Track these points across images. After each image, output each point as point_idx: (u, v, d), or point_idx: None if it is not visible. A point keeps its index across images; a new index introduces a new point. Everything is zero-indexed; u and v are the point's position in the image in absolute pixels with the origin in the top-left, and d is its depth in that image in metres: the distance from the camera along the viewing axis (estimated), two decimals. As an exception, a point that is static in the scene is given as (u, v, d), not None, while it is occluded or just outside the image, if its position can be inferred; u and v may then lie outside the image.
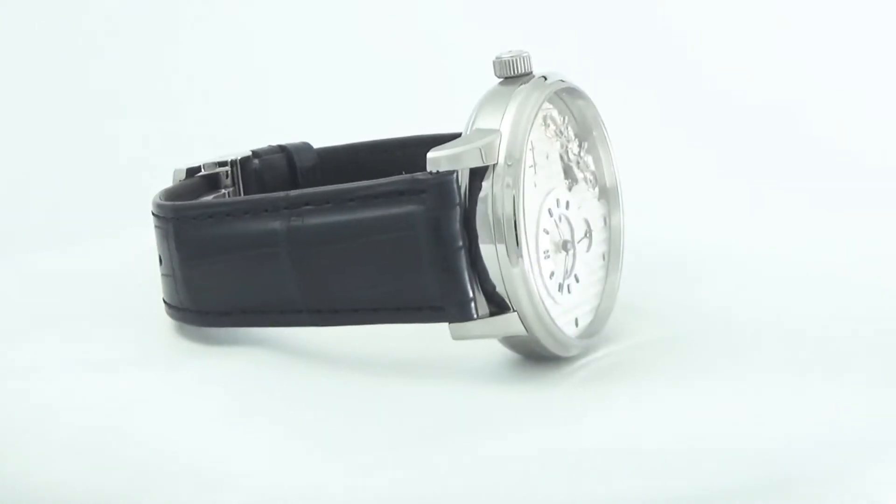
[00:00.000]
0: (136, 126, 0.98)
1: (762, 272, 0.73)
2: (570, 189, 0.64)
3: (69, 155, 0.96)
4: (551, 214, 0.62)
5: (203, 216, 0.63)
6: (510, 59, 0.62)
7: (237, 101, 1.00)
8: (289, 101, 0.98)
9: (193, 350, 0.64)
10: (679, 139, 0.99)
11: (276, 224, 0.61)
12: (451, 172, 0.58)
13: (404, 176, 0.59)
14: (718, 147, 0.98)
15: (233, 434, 0.55)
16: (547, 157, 0.62)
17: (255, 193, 0.73)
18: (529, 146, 0.61)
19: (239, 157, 0.74)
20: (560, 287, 0.62)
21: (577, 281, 0.63)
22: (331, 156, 0.77)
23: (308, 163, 0.76)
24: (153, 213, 0.65)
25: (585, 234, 0.64)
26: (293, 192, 0.61)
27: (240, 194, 0.73)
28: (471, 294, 0.59)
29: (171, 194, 0.68)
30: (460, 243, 0.58)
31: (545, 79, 0.62)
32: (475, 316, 0.59)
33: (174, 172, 0.71)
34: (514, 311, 0.59)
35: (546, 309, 0.60)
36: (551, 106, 0.63)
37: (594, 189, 0.66)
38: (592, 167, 0.66)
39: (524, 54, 0.62)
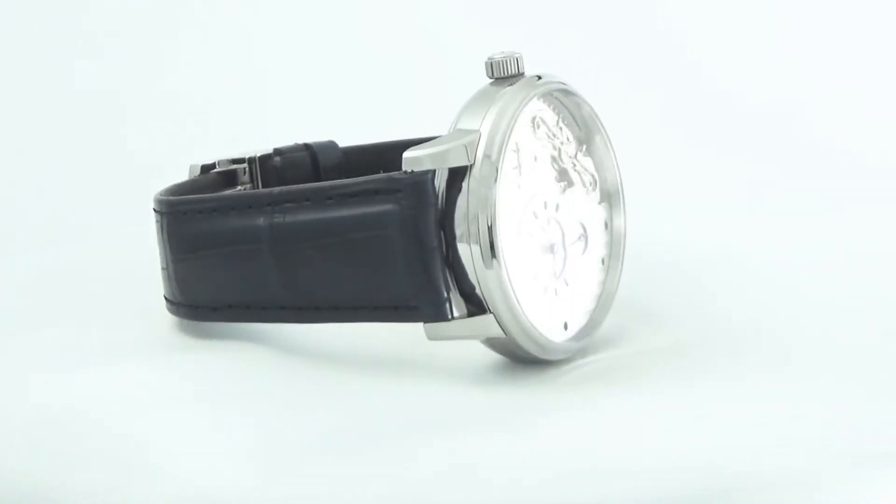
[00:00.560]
0: (151, 123, 0.99)
1: (766, 276, 0.72)
2: (563, 192, 0.63)
3: (75, 153, 0.98)
4: (537, 217, 0.61)
5: (193, 211, 0.64)
6: (501, 59, 0.61)
7: (256, 100, 1.01)
8: (311, 100, 0.98)
9: (185, 344, 0.64)
10: (679, 139, 0.97)
11: (260, 221, 0.62)
12: (426, 172, 0.58)
13: (381, 175, 0.59)
14: (719, 148, 0.96)
15: (188, 428, 0.55)
16: (535, 159, 0.62)
17: (273, 190, 0.74)
18: (514, 147, 0.61)
19: (258, 154, 0.74)
20: (545, 290, 0.62)
21: (567, 284, 0.63)
22: (356, 155, 0.77)
23: (332, 161, 0.76)
24: (153, 209, 0.66)
25: (580, 238, 0.64)
26: (276, 189, 0.61)
27: (257, 191, 0.74)
28: (445, 294, 0.59)
29: (179, 189, 0.69)
30: (435, 243, 0.58)
31: (539, 79, 0.62)
32: (449, 316, 0.59)
33: (190, 168, 0.72)
34: (490, 312, 0.59)
35: (524, 312, 0.59)
36: (545, 107, 0.63)
37: (594, 192, 0.65)
38: (592, 170, 0.65)
39: (516, 55, 0.62)
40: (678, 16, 1.03)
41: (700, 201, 0.89)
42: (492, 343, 0.61)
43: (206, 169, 0.72)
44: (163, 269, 0.66)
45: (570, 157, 0.64)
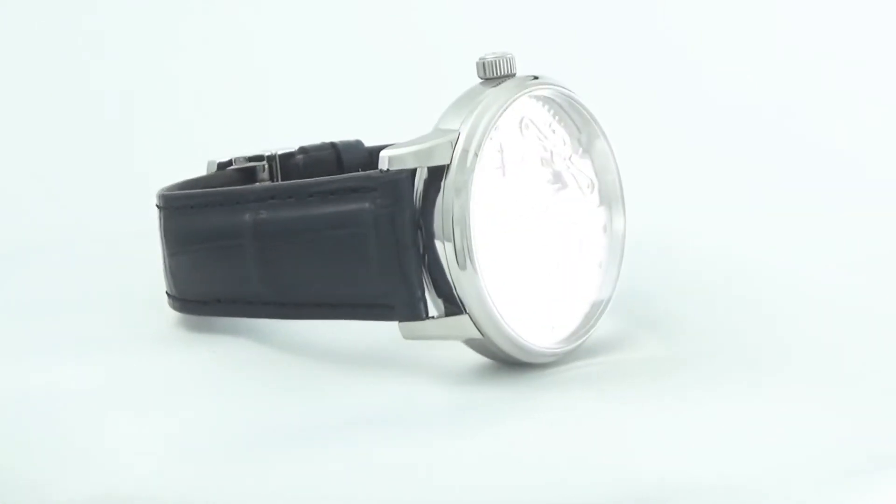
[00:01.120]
0: (167, 119, 1.01)
1: (768, 281, 0.71)
2: (555, 194, 0.63)
3: (80, 152, 1.00)
4: (522, 218, 0.61)
5: (185, 206, 0.65)
6: (493, 59, 0.61)
7: (279, 99, 1.01)
8: (336, 99, 0.99)
9: (175, 338, 0.66)
10: (680, 140, 0.95)
11: (246, 217, 0.62)
12: (402, 171, 0.58)
13: (359, 173, 0.60)
14: (721, 149, 0.94)
15: (131, 420, 0.56)
16: (523, 160, 0.61)
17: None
18: (497, 148, 0.60)
19: (279, 152, 0.75)
20: (529, 291, 0.61)
21: (556, 287, 0.62)
22: (382, 153, 0.77)
23: (357, 160, 0.77)
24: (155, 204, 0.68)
25: (571, 241, 0.63)
26: (260, 186, 0.62)
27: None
28: (419, 293, 0.58)
29: (188, 185, 0.70)
30: (410, 242, 0.58)
31: (533, 80, 0.62)
32: (424, 316, 0.59)
33: (207, 164, 0.73)
34: (466, 313, 0.59)
35: (500, 313, 0.59)
36: (539, 109, 0.62)
37: (592, 195, 0.64)
38: (590, 173, 0.64)
39: (508, 56, 0.61)
40: (678, 16, 1.01)
41: (701, 203, 0.88)
42: (472, 344, 0.60)
43: (222, 166, 0.73)
44: (163, 263, 0.67)
45: (565, 160, 0.63)
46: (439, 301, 0.59)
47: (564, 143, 0.63)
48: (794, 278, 0.71)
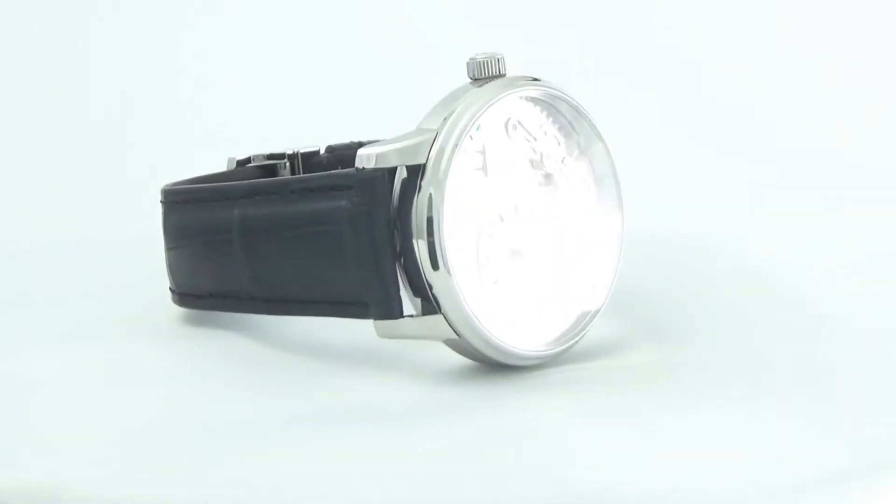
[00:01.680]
0: (187, 117, 1.02)
1: (768, 289, 0.69)
2: (545, 196, 0.62)
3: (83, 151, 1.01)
4: (503, 219, 0.61)
5: (182, 201, 0.66)
6: (483, 60, 0.61)
7: (304, 98, 1.02)
8: (363, 99, 0.99)
9: (167, 331, 0.67)
10: (681, 142, 0.93)
11: (234, 212, 0.63)
12: (378, 170, 0.59)
13: (338, 171, 0.60)
14: (721, 154, 0.92)
15: (87, 411, 0.57)
16: (508, 162, 0.61)
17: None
18: (479, 148, 0.60)
19: (301, 150, 0.76)
20: (511, 293, 0.61)
21: (542, 289, 0.62)
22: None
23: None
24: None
25: (562, 244, 0.63)
26: (248, 182, 0.63)
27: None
28: (393, 292, 0.59)
29: (203, 181, 0.71)
30: (385, 241, 0.58)
31: (525, 81, 0.61)
32: (399, 314, 0.59)
33: (227, 161, 0.74)
34: (440, 312, 0.59)
35: (476, 314, 0.59)
36: (531, 110, 0.62)
37: (587, 198, 0.64)
38: (586, 176, 0.64)
39: (497, 56, 0.61)
40: (678, 17, 0.99)
41: (701, 205, 0.86)
42: (451, 345, 0.60)
43: (241, 163, 0.74)
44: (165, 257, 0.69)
45: (558, 162, 0.62)
46: (417, 300, 0.59)
47: (558, 146, 0.63)
48: (797, 282, 0.70)
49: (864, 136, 0.91)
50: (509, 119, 0.61)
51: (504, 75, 0.61)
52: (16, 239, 0.89)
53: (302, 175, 0.61)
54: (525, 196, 0.61)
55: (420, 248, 0.58)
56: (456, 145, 0.58)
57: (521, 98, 0.61)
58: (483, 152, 0.60)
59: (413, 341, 0.61)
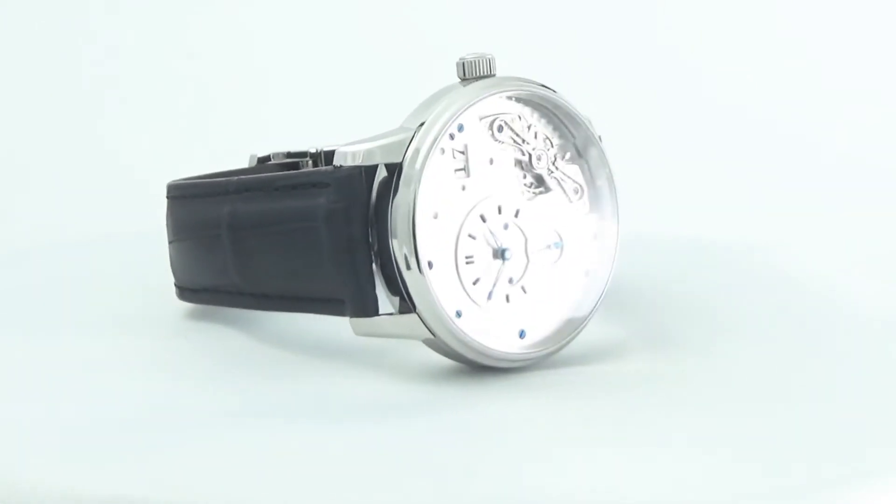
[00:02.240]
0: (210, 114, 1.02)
1: (767, 297, 0.68)
2: (533, 197, 0.62)
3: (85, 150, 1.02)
4: (484, 220, 0.60)
5: (180, 196, 0.67)
6: (472, 60, 0.61)
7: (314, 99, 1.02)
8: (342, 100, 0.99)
9: (165, 324, 0.67)
10: (683, 146, 0.91)
11: (225, 208, 0.64)
12: (356, 168, 0.59)
13: (318, 168, 0.61)
14: (719, 161, 0.89)
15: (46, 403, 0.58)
16: (491, 162, 0.61)
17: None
18: (460, 148, 0.60)
19: (324, 149, 0.76)
20: (490, 295, 0.61)
21: (526, 291, 0.62)
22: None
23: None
24: None
25: (552, 245, 0.62)
26: (236, 178, 0.63)
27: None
28: (369, 290, 0.59)
29: (217, 177, 0.72)
30: (361, 238, 0.58)
31: (512, 81, 0.61)
32: (375, 312, 0.59)
33: (249, 158, 0.75)
34: (415, 312, 0.59)
35: (450, 314, 0.59)
36: (522, 111, 0.61)
37: (580, 201, 0.63)
38: (578, 178, 0.63)
39: (487, 56, 0.61)
40: (677, 19, 0.97)
41: (702, 207, 0.84)
42: (430, 344, 0.60)
43: (262, 160, 0.75)
44: None
45: (549, 163, 0.62)
46: (395, 299, 0.59)
47: (550, 147, 0.62)
48: (806, 289, 0.68)
49: (866, 136, 0.89)
50: (495, 120, 0.61)
51: (493, 76, 0.61)
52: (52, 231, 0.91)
53: (287, 172, 0.62)
54: (510, 197, 0.61)
55: (395, 247, 0.58)
56: (432, 145, 0.58)
57: (508, 98, 0.61)
58: (465, 152, 0.60)
59: (396, 340, 0.61)
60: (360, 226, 0.58)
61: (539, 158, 0.61)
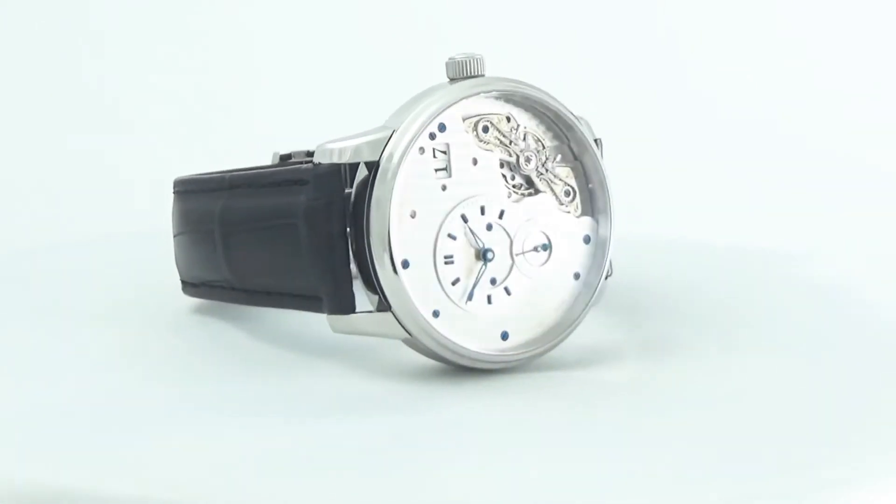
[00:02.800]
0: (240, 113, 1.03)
1: (769, 298, 0.66)
2: (519, 199, 0.61)
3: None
4: (466, 220, 0.60)
5: (182, 192, 0.68)
6: (461, 60, 0.61)
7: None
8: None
9: (163, 317, 0.68)
10: (681, 145, 0.88)
11: (218, 204, 0.65)
12: (334, 165, 0.59)
13: (300, 166, 0.61)
14: (724, 156, 0.87)
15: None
16: (475, 163, 0.61)
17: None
18: (443, 147, 0.60)
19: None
20: (470, 295, 0.60)
21: (509, 293, 0.61)
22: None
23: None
24: None
25: (536, 248, 0.62)
26: (230, 174, 0.64)
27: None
28: (346, 287, 0.59)
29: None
30: (338, 235, 0.59)
31: (499, 82, 0.61)
32: (350, 310, 0.59)
33: (272, 155, 0.76)
34: (390, 310, 0.59)
35: (424, 314, 0.59)
36: (509, 111, 0.61)
37: (572, 204, 0.63)
38: (572, 181, 0.63)
39: (476, 56, 0.61)
40: (676, 20, 0.94)
41: (703, 210, 0.82)
42: (410, 343, 0.60)
43: (284, 158, 0.75)
44: None
45: (539, 165, 0.62)
46: (374, 297, 0.59)
47: (541, 149, 0.62)
48: (805, 293, 0.67)
49: (863, 137, 0.86)
50: (480, 120, 0.60)
51: (482, 76, 0.61)
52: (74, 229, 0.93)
53: (273, 169, 0.62)
54: (495, 198, 0.61)
55: (369, 245, 0.58)
56: (409, 144, 0.58)
57: (497, 99, 0.60)
58: (447, 152, 0.60)
59: (380, 339, 0.61)
60: (339, 223, 0.58)
61: (528, 160, 0.61)
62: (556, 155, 0.62)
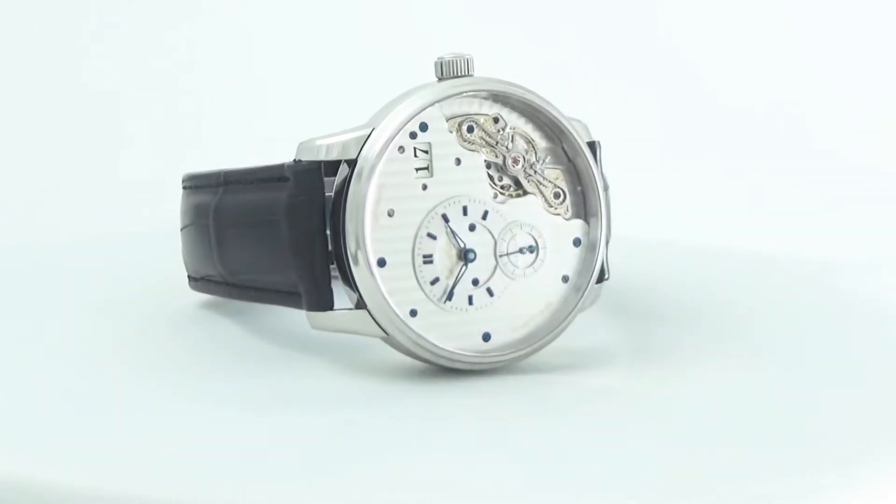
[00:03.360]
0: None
1: (767, 304, 0.65)
2: (507, 199, 0.61)
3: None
4: (447, 220, 0.60)
5: (187, 188, 0.69)
6: (449, 59, 0.61)
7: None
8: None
9: (161, 314, 0.69)
10: (684, 146, 0.85)
11: (214, 199, 0.66)
12: (314, 163, 0.59)
13: (284, 163, 0.61)
14: (727, 157, 0.84)
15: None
16: (458, 163, 0.61)
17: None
18: (424, 147, 0.60)
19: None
20: (449, 295, 0.60)
21: (492, 294, 0.61)
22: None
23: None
24: None
25: (521, 250, 0.61)
26: (224, 171, 0.65)
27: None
28: (323, 284, 0.59)
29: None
30: (316, 232, 0.59)
31: (487, 82, 0.61)
32: (328, 307, 0.59)
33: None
34: (365, 308, 0.59)
35: (399, 313, 0.59)
36: (498, 112, 0.61)
37: (562, 206, 0.62)
38: (562, 184, 0.62)
39: (466, 56, 0.61)
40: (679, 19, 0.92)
41: (703, 212, 0.80)
42: (388, 342, 0.60)
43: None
44: None
45: (528, 167, 0.61)
46: (354, 295, 0.59)
47: (531, 150, 0.61)
48: (805, 298, 0.66)
49: (862, 138, 0.84)
50: (464, 120, 0.60)
51: (470, 76, 0.61)
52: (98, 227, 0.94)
53: (262, 166, 0.63)
54: (479, 199, 0.60)
55: (345, 243, 0.58)
56: (387, 143, 0.58)
57: (485, 100, 0.60)
58: (429, 151, 0.60)
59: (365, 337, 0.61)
60: (318, 220, 0.58)
61: (516, 161, 0.61)
62: (548, 157, 0.61)
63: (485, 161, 0.60)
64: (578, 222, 0.62)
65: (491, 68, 0.63)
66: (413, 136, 0.59)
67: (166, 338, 0.65)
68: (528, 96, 0.60)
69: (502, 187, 0.61)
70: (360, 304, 0.59)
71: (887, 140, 0.89)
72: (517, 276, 0.61)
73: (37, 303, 0.72)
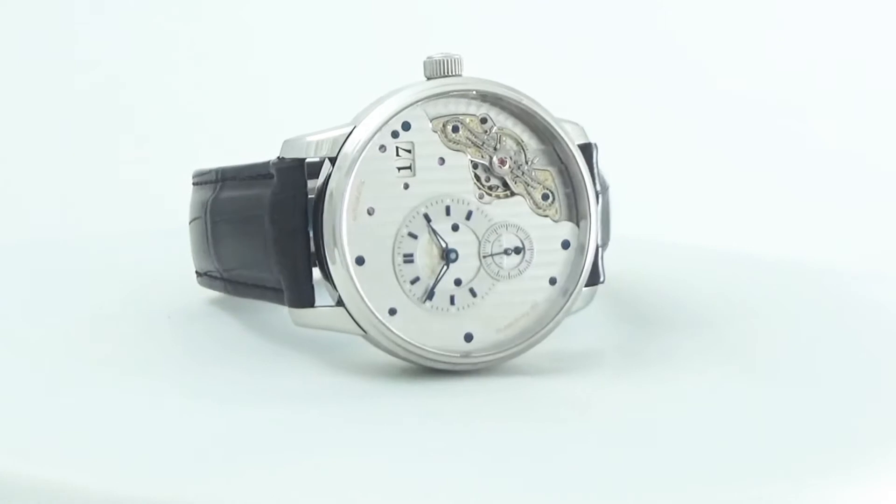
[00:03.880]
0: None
1: (764, 310, 0.64)
2: (493, 200, 0.61)
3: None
4: (429, 220, 0.60)
5: (194, 184, 0.70)
6: (438, 59, 0.61)
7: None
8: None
9: (167, 306, 0.70)
10: (684, 147, 0.83)
11: (210, 196, 0.66)
12: (297, 160, 0.60)
13: (270, 160, 0.62)
14: (721, 160, 0.81)
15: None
16: (442, 163, 0.60)
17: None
18: (407, 146, 0.60)
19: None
20: (430, 295, 0.60)
21: (475, 294, 0.61)
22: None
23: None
24: None
25: (507, 251, 0.61)
26: (220, 167, 0.66)
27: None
28: (304, 280, 0.60)
29: None
30: (298, 229, 0.59)
31: (476, 82, 0.61)
32: (308, 304, 0.60)
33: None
34: (343, 306, 0.60)
35: (376, 311, 0.59)
36: (485, 111, 0.61)
37: (551, 208, 0.62)
38: (551, 185, 0.62)
39: (454, 56, 0.61)
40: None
41: (703, 214, 0.78)
42: (369, 340, 0.61)
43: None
44: None
45: (516, 168, 0.61)
46: (335, 293, 0.60)
47: (520, 151, 0.61)
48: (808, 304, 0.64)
49: (861, 139, 0.81)
50: (449, 120, 0.60)
51: (459, 76, 0.61)
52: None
53: (252, 163, 0.63)
54: (462, 199, 0.60)
55: (322, 240, 0.59)
56: (367, 141, 0.59)
57: (472, 99, 0.60)
58: (412, 150, 0.60)
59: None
60: (299, 218, 0.59)
61: (503, 162, 0.60)
62: (539, 158, 0.61)
63: (471, 161, 0.60)
64: (568, 225, 0.61)
65: (488, 69, 0.62)
66: (395, 135, 0.59)
67: (166, 335, 0.66)
68: (516, 97, 0.60)
69: (490, 188, 0.61)
70: (340, 302, 0.59)
71: (887, 140, 0.87)
72: (502, 277, 0.60)
73: (36, 303, 0.73)
